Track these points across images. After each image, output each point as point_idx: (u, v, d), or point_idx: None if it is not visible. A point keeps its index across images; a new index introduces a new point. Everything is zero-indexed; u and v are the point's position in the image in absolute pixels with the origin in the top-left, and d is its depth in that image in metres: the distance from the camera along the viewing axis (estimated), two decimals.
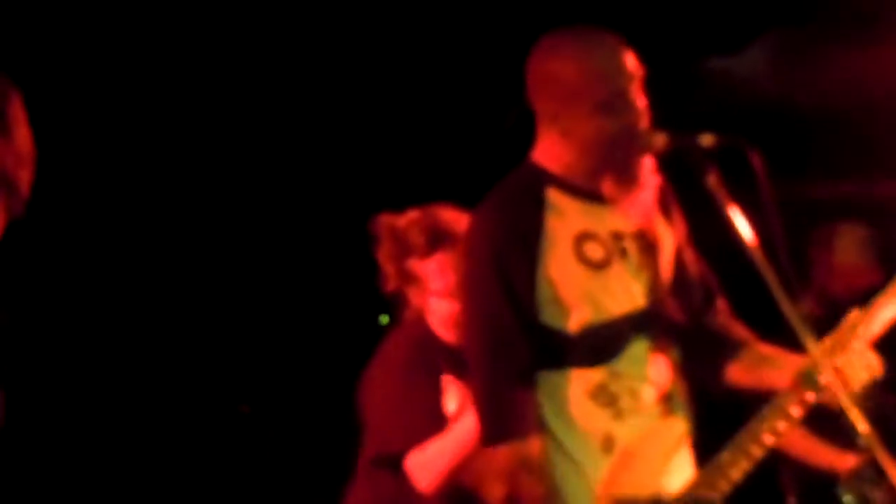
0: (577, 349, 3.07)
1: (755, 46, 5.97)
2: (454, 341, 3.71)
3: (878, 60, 5.68)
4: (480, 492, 3.72)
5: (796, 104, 6.15)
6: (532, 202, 3.13)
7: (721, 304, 3.37)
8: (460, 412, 3.73)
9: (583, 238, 3.13)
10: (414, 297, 3.94)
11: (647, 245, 3.21)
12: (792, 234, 2.95)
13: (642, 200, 3.21)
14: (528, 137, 3.28)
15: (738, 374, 3.32)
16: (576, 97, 3.10)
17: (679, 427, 3.18)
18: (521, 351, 3.06)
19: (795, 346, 3.07)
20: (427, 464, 3.73)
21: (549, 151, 3.19)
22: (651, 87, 3.21)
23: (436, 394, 3.77)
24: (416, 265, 3.90)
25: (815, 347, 2.91)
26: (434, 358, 3.81)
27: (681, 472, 3.14)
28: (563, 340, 3.06)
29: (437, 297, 3.78)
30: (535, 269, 3.07)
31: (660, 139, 3.06)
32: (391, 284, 3.98)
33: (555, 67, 3.13)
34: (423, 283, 3.88)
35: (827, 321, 5.06)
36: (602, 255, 3.12)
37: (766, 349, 3.31)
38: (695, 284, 3.31)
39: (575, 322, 3.06)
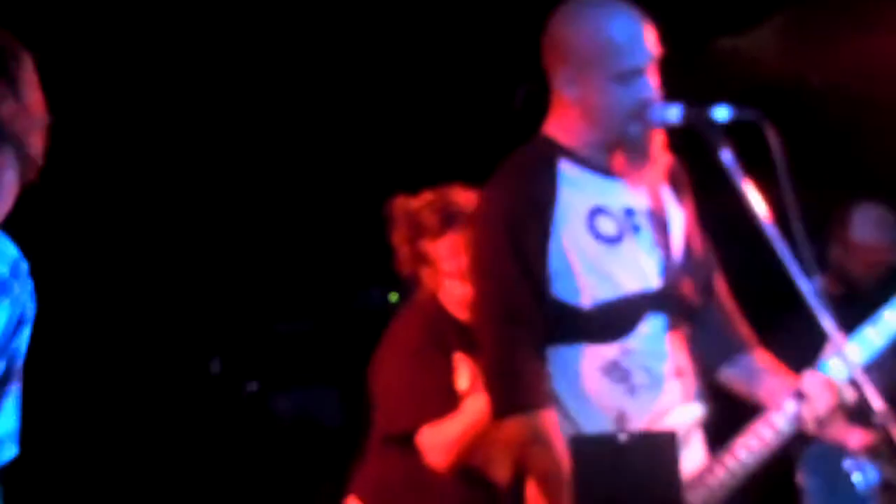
0: (590, 324, 3.05)
1: (764, 26, 5.94)
2: (467, 321, 3.70)
3: (888, 38, 5.65)
4: (490, 469, 3.73)
5: (806, 83, 6.13)
6: (546, 173, 3.12)
7: (724, 291, 3.35)
8: (472, 390, 3.72)
9: (596, 212, 3.12)
10: (427, 278, 3.93)
11: (660, 223, 3.20)
12: (809, 212, 2.93)
13: (653, 177, 3.19)
14: (537, 118, 3.27)
15: (730, 379, 3.32)
16: (593, 65, 3.09)
17: (692, 406, 3.17)
18: (533, 323, 3.05)
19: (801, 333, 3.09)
20: (439, 442, 3.73)
21: (562, 124, 3.17)
22: (661, 67, 3.20)
23: (447, 372, 3.77)
24: (429, 246, 3.89)
25: (828, 324, 2.87)
26: (446, 336, 3.81)
27: (693, 450, 3.13)
28: (575, 315, 3.05)
29: (450, 277, 3.77)
30: (548, 240, 3.06)
31: (673, 112, 3.04)
32: (405, 267, 3.97)
33: (575, 33, 3.13)
34: (436, 263, 3.88)
35: (844, 299, 5.09)
36: (614, 230, 3.11)
37: (762, 360, 3.32)
38: (701, 267, 3.29)
39: (588, 296, 3.05)
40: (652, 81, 3.11)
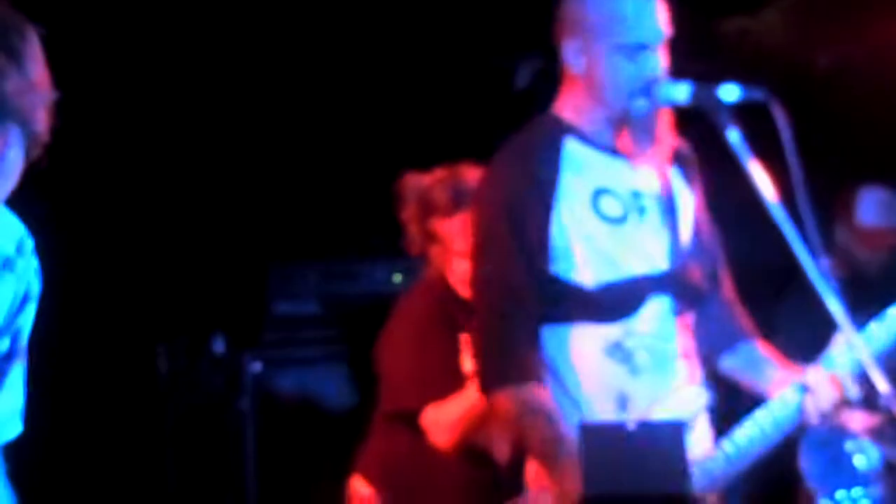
0: (593, 304, 3.04)
1: (772, 6, 5.92)
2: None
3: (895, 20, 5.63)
4: (492, 448, 3.73)
5: (814, 65, 6.11)
6: (549, 152, 3.11)
7: (728, 283, 3.34)
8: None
9: (600, 193, 3.11)
10: (436, 256, 3.92)
11: (666, 205, 3.19)
12: (815, 195, 2.92)
13: (660, 157, 3.18)
14: (545, 95, 3.26)
15: (731, 368, 3.32)
16: (599, 36, 3.08)
17: (696, 389, 3.15)
18: (526, 301, 3.04)
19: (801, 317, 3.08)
20: (443, 421, 3.73)
21: (570, 101, 3.16)
22: (670, 47, 3.18)
23: (454, 351, 3.75)
24: (439, 225, 3.88)
25: (834, 305, 2.85)
26: (454, 316, 3.79)
27: (699, 435, 3.12)
28: (578, 294, 3.04)
29: (460, 257, 3.75)
30: (549, 218, 3.05)
31: (682, 92, 3.02)
32: (414, 245, 3.96)
33: (584, 4, 3.12)
34: (446, 242, 3.86)
35: (850, 283, 5.08)
36: (619, 210, 3.10)
37: (762, 351, 3.33)
38: (708, 253, 3.28)
39: (591, 276, 3.04)
40: (660, 60, 3.09)
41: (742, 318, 3.34)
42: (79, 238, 5.56)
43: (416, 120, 5.94)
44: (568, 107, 3.17)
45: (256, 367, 5.46)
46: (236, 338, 5.54)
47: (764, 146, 2.92)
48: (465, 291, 3.77)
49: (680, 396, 3.09)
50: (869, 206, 5.14)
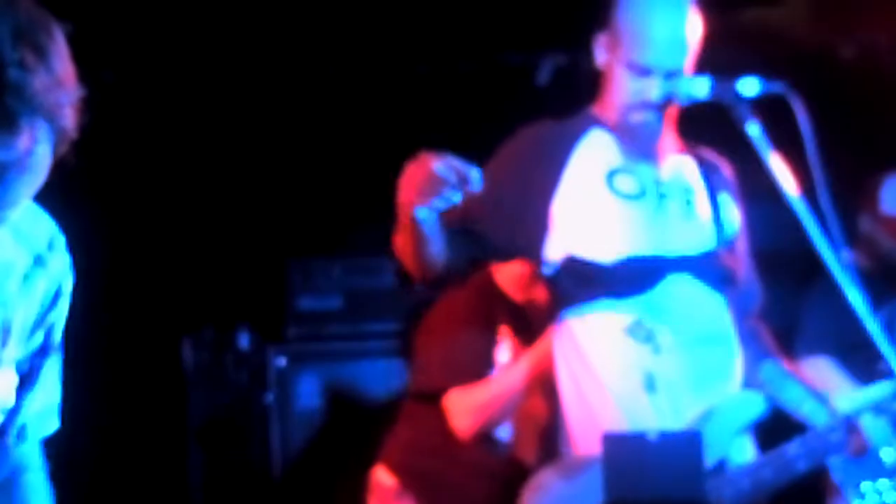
0: (611, 278, 3.07)
1: None
2: (519, 301, 3.72)
3: None
4: (517, 447, 3.73)
5: (836, 55, 6.09)
6: (566, 134, 3.18)
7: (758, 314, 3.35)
8: (509, 365, 3.73)
9: (616, 171, 3.15)
10: None
11: (694, 198, 3.20)
12: (839, 185, 2.92)
13: (671, 148, 3.20)
14: (563, 94, 3.29)
15: (754, 378, 3.29)
16: (620, 43, 3.13)
17: (752, 396, 3.16)
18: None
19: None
20: (465, 406, 3.75)
21: (603, 97, 3.20)
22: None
23: (489, 342, 3.80)
24: None
25: (856, 298, 2.85)
26: (495, 311, 3.83)
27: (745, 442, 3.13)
28: (596, 270, 3.07)
29: None
30: (548, 198, 3.10)
31: (702, 87, 3.03)
32: None
33: (624, 6, 3.15)
34: None
35: (875, 272, 5.06)
36: (635, 188, 3.13)
37: (786, 367, 3.33)
38: (746, 279, 3.28)
39: (606, 250, 3.07)
40: (669, 86, 3.10)
41: (769, 337, 3.33)
42: (104, 233, 5.60)
43: (439, 114, 5.96)
44: (601, 99, 3.24)
45: (281, 361, 5.47)
46: (261, 332, 5.57)
47: (786, 138, 2.92)
48: (510, 291, 3.81)
49: (738, 401, 3.10)
50: (893, 195, 5.11)
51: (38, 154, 1.76)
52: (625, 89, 3.12)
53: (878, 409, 3.11)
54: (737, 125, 2.90)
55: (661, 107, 3.12)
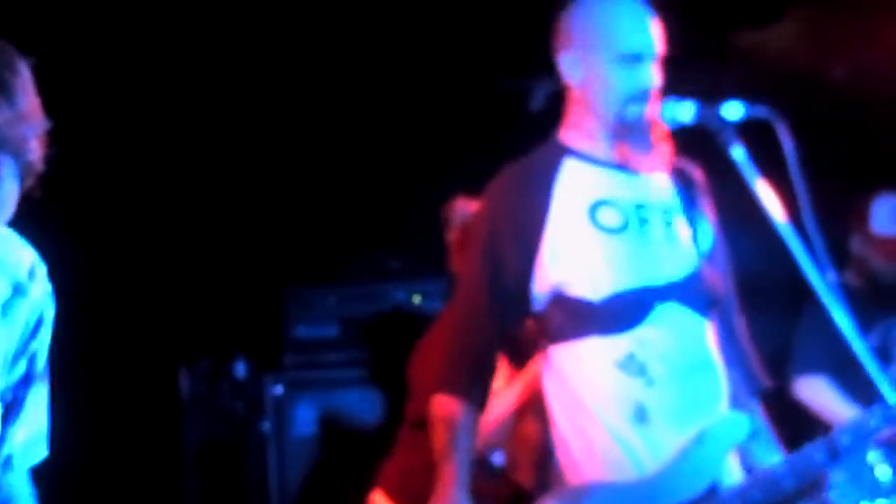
0: (599, 316, 3.05)
1: (786, 19, 5.92)
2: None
3: None
4: (513, 471, 3.73)
5: (829, 74, 6.10)
6: (542, 174, 3.16)
7: (742, 327, 3.35)
8: (501, 391, 3.74)
9: (598, 205, 3.13)
10: None
11: (673, 217, 3.19)
12: (829, 205, 2.92)
13: (660, 166, 3.20)
14: (557, 119, 3.29)
15: (740, 400, 3.30)
16: (595, 46, 3.14)
17: (740, 417, 3.17)
18: (487, 332, 3.21)
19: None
20: None
21: (571, 120, 3.20)
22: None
23: None
24: None
25: (843, 321, 2.85)
26: None
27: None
28: (584, 308, 3.05)
29: None
30: (538, 242, 3.11)
31: (687, 112, 3.03)
32: (456, 268, 4.04)
33: (579, 16, 3.19)
34: None
35: (866, 292, 5.06)
36: (618, 220, 3.12)
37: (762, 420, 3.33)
38: (720, 270, 3.28)
39: (593, 289, 3.05)
40: (655, 73, 3.12)
41: (753, 358, 3.34)
42: (101, 262, 5.62)
43: (433, 143, 5.98)
44: (569, 126, 3.22)
45: (278, 389, 5.49)
46: (257, 361, 5.58)
47: (774, 161, 2.93)
48: None
49: (728, 422, 3.11)
50: (883, 215, 5.11)
51: (5, 189, 1.77)
52: (616, 85, 3.11)
53: (859, 433, 3.13)
54: (722, 149, 2.90)
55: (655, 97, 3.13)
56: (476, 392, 3.21)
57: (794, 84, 5.74)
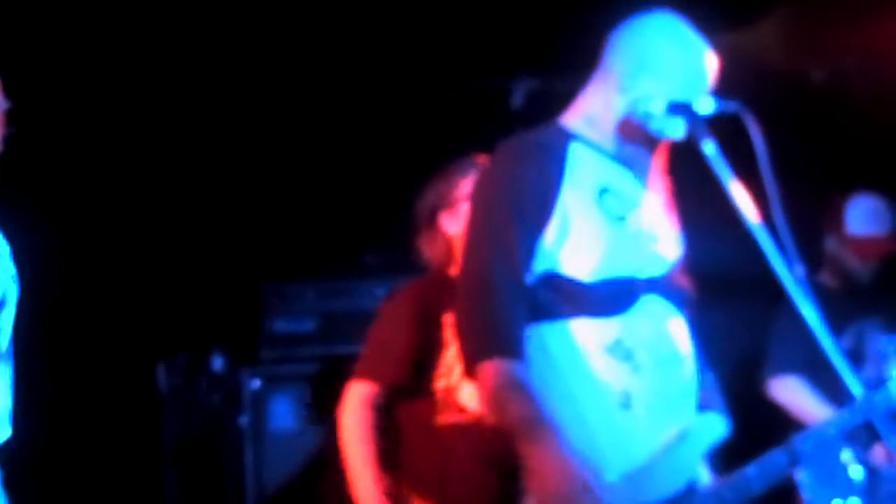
0: (588, 298, 3.04)
1: (766, 21, 5.94)
2: None
3: (892, 33, 5.65)
4: None
5: (809, 79, 6.12)
6: (555, 150, 3.12)
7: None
8: None
9: (605, 191, 3.12)
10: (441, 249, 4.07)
11: (660, 215, 3.22)
12: (806, 205, 2.94)
13: (657, 171, 3.22)
14: (537, 118, 3.29)
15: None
16: (666, 77, 3.11)
17: (716, 417, 3.19)
18: (521, 279, 3.02)
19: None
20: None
21: (584, 113, 3.20)
22: None
23: (429, 343, 3.99)
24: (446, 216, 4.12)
25: (812, 317, 2.87)
26: (435, 311, 3.99)
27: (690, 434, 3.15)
28: (574, 288, 3.04)
29: None
30: (550, 215, 3.04)
31: (657, 106, 3.05)
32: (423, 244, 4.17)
33: (669, 42, 3.15)
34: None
35: (843, 293, 5.08)
36: (619, 210, 3.11)
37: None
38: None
39: (587, 271, 3.05)
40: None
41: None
42: (78, 257, 5.61)
43: (413, 141, 5.98)
44: (578, 115, 3.21)
45: (255, 384, 5.49)
46: (235, 355, 5.58)
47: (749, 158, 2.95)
48: None
49: (707, 422, 3.13)
50: (857, 215, 5.13)
51: None
52: (654, 118, 3.11)
53: (820, 437, 3.18)
54: (693, 144, 2.91)
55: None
56: (524, 352, 2.98)
57: (772, 86, 5.77)
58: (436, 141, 5.78)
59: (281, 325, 5.61)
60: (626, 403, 3.03)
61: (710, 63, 3.18)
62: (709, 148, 2.91)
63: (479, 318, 3.02)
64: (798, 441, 3.26)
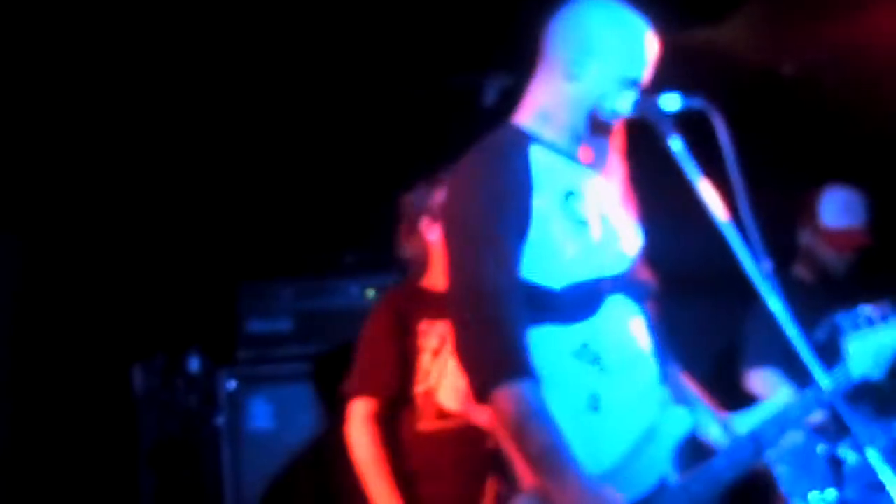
0: (558, 305, 3.06)
1: (737, 16, 5.95)
2: None
3: (861, 27, 5.67)
4: None
5: (780, 73, 6.14)
6: (520, 157, 3.12)
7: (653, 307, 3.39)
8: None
9: (569, 195, 3.13)
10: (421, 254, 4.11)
11: (622, 212, 3.23)
12: (780, 199, 2.95)
13: (614, 166, 3.23)
14: (507, 117, 3.30)
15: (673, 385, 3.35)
16: (612, 58, 3.14)
17: (683, 411, 3.21)
18: (516, 295, 3.01)
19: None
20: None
21: (536, 110, 3.21)
22: None
23: (403, 352, 4.14)
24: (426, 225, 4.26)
25: (779, 310, 2.89)
26: (410, 321, 4.16)
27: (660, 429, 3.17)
28: (544, 297, 3.06)
29: None
30: (528, 220, 3.06)
31: (625, 102, 3.06)
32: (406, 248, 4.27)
33: (607, 24, 3.16)
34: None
35: (818, 285, 5.09)
36: (583, 212, 3.13)
37: (690, 389, 3.38)
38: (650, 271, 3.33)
39: (557, 278, 3.06)
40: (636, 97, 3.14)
41: (665, 340, 3.37)
42: (53, 259, 5.60)
43: (388, 139, 5.99)
44: (530, 115, 3.22)
45: (231, 384, 5.49)
46: (211, 356, 5.58)
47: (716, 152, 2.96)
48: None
49: (674, 417, 3.14)
50: (831, 208, 5.14)
51: None
52: (607, 101, 3.13)
53: (783, 422, 3.19)
54: (660, 141, 2.93)
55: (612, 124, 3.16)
56: (533, 367, 2.95)
57: (743, 80, 5.79)
58: (410, 139, 5.79)
59: (257, 326, 5.61)
60: (594, 406, 3.06)
61: (650, 40, 3.19)
62: (675, 145, 2.93)
63: (485, 340, 2.96)
64: (762, 428, 3.28)
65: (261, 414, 5.47)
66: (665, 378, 3.25)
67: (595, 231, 3.13)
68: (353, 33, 5.70)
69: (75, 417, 5.66)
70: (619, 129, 3.20)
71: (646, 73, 3.15)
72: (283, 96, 5.95)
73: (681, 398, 3.32)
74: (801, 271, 5.18)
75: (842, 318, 3.37)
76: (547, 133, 3.18)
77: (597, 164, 3.20)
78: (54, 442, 5.54)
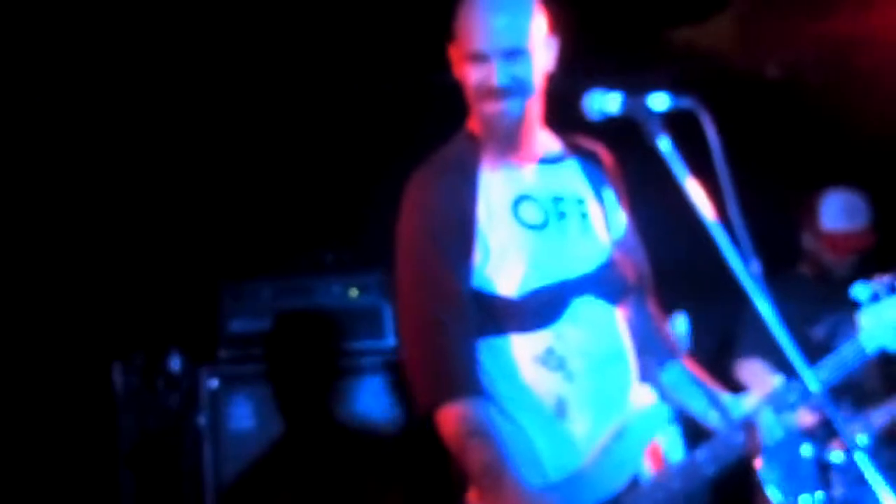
0: (518, 313, 3.05)
1: (721, 16, 5.97)
2: None
3: (842, 28, 5.68)
4: None
5: (762, 73, 6.15)
6: (467, 172, 3.12)
7: (652, 299, 3.37)
8: None
9: (520, 201, 3.13)
10: None
11: (587, 206, 3.21)
12: (765, 200, 2.94)
13: (543, 150, 3.21)
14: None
15: (662, 386, 3.33)
16: (459, 40, 3.14)
17: (658, 407, 3.19)
18: (463, 311, 3.03)
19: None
20: None
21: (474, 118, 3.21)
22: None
23: None
24: None
25: (767, 312, 2.87)
26: None
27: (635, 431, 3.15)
28: (504, 306, 3.05)
29: None
30: (473, 235, 3.06)
31: (613, 103, 3.04)
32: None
33: (459, 9, 3.16)
34: None
35: (821, 287, 5.11)
36: (539, 217, 3.12)
37: (691, 371, 3.35)
38: (634, 253, 3.30)
39: (513, 286, 3.05)
40: (503, 71, 3.09)
41: (668, 335, 3.36)
42: (33, 257, 5.57)
43: (370, 138, 5.98)
44: (471, 117, 3.22)
45: (213, 383, 5.47)
46: (192, 355, 5.56)
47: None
48: None
49: (645, 415, 3.13)
50: (831, 211, 5.16)
51: None
52: (468, 82, 3.11)
53: (777, 405, 3.15)
54: (648, 140, 2.91)
55: (509, 94, 3.11)
56: (479, 384, 3.02)
57: (728, 81, 5.80)
58: (393, 137, 5.78)
59: (238, 325, 5.59)
60: (561, 412, 3.05)
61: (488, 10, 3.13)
62: (663, 144, 2.91)
63: (425, 364, 3.03)
64: (753, 416, 3.25)
65: (242, 414, 5.45)
66: (646, 375, 3.24)
67: (555, 233, 3.12)
68: (334, 30, 5.69)
69: (55, 416, 5.64)
70: (533, 112, 3.15)
71: (489, 39, 3.08)
72: (264, 96, 5.95)
73: (683, 387, 3.30)
74: (805, 269, 5.24)
75: (859, 289, 3.35)
76: (495, 135, 3.15)
77: (501, 154, 3.17)
78: (33, 441, 5.52)
